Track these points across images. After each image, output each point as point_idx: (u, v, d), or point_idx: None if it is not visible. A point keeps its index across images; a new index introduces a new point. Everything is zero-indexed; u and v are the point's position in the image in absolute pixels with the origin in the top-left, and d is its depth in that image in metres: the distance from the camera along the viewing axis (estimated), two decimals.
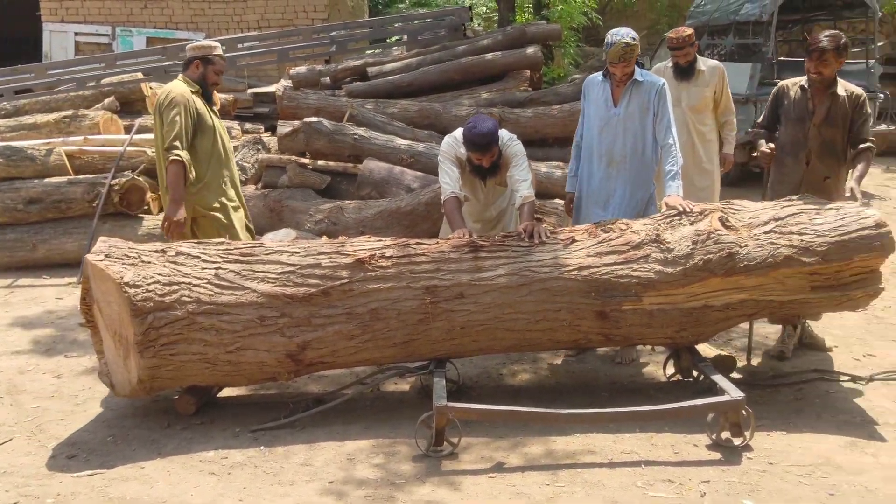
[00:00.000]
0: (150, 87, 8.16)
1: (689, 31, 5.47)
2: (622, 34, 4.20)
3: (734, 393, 3.55)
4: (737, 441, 3.52)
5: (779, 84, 4.57)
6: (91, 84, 7.49)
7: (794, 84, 4.46)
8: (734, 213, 3.98)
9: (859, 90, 4.38)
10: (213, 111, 4.69)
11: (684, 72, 5.58)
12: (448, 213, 4.19)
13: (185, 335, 3.67)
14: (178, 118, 4.36)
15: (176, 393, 4.05)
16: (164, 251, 3.85)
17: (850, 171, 4.27)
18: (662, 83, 4.36)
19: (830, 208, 3.91)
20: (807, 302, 3.87)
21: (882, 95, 9.32)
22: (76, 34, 13.31)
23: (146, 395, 3.90)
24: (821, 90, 4.30)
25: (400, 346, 3.82)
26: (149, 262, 3.76)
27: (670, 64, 5.68)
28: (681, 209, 3.97)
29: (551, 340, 3.94)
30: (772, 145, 4.40)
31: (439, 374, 3.82)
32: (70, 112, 7.64)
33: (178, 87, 4.49)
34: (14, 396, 4.25)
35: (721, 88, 5.67)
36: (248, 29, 13.04)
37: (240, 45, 7.94)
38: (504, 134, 4.29)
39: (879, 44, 12.31)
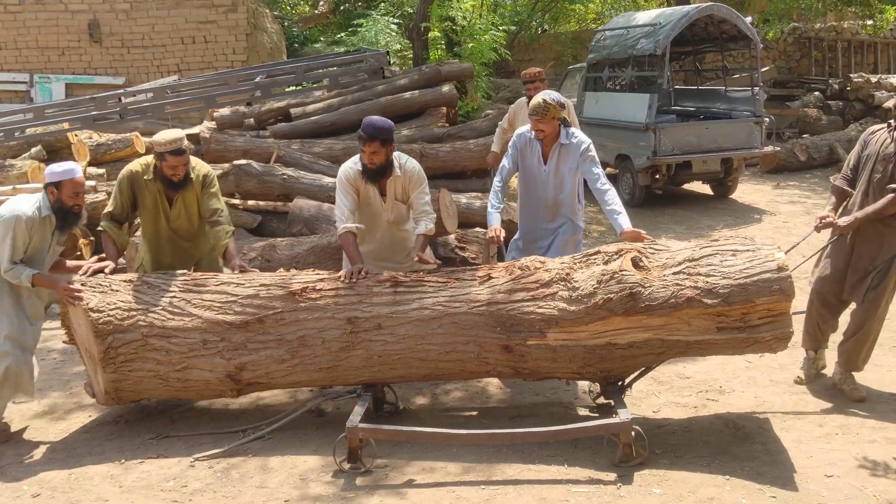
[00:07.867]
0: (76, 136, 8.29)
1: (539, 69, 6.49)
2: (544, 93, 4.66)
3: (624, 415, 3.85)
4: (631, 462, 3.79)
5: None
6: (18, 134, 7.58)
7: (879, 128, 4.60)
8: (652, 254, 4.05)
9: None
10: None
11: None
12: (345, 247, 4.43)
13: (139, 354, 4.19)
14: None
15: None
16: (131, 280, 4.34)
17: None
18: (586, 144, 4.66)
19: (747, 249, 3.93)
20: (714, 343, 3.90)
21: (767, 119, 10.21)
22: None
23: (116, 405, 4.46)
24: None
25: (325, 370, 4.21)
26: (116, 291, 4.27)
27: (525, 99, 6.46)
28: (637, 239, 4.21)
29: (463, 371, 4.22)
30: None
31: (364, 398, 4.21)
32: None
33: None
34: None
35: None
36: (167, 73, 13.10)
37: (167, 93, 8.16)
38: (402, 155, 4.56)
39: (764, 69, 13.38)
